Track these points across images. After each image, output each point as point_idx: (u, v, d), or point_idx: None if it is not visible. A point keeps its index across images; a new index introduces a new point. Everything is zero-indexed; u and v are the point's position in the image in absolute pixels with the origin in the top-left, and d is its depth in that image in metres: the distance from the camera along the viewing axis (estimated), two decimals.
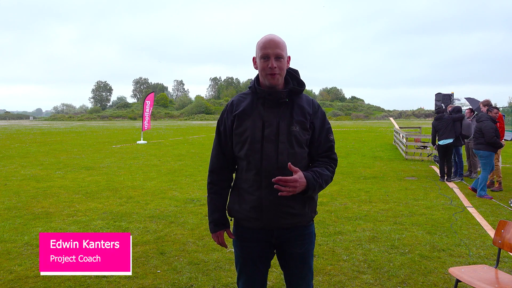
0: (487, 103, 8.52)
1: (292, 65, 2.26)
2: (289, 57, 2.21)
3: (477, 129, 7.69)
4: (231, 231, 2.35)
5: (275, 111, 2.15)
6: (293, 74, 2.24)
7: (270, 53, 2.08)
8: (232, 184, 2.34)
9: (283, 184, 1.99)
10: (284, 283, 3.80)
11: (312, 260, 2.34)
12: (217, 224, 2.31)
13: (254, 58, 2.20)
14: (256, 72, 2.23)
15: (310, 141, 2.20)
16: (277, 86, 2.14)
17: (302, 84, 2.22)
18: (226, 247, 2.38)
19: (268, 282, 2.99)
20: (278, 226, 2.19)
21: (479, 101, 10.92)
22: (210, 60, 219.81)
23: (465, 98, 13.73)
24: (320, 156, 2.22)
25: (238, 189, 2.25)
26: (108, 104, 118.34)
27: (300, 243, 2.24)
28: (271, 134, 2.12)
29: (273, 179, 2.01)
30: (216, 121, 2.33)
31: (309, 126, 2.17)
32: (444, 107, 10.54)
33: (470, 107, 10.76)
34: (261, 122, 2.13)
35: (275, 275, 3.95)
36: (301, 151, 2.15)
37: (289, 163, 2.04)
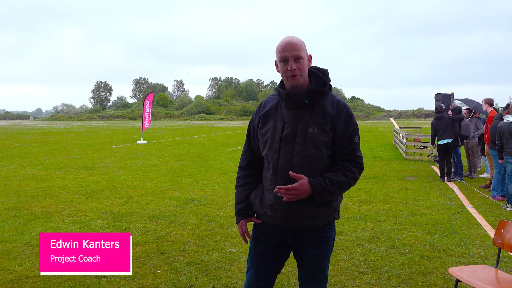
0: (489, 101, 8.51)
1: None
2: (310, 55, 2.19)
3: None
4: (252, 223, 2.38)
5: (296, 113, 2.15)
6: (318, 74, 2.21)
7: (288, 56, 2.09)
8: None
9: (284, 193, 2.05)
10: (285, 283, 3.81)
11: (327, 264, 2.32)
12: (240, 214, 2.35)
13: (275, 62, 2.21)
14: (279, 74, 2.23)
15: (333, 143, 2.16)
16: (299, 87, 2.14)
17: (325, 85, 2.19)
18: (249, 238, 2.36)
19: None
20: (292, 227, 2.21)
21: (475, 101, 10.90)
22: (210, 60, 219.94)
23: (458, 100, 13.72)
24: (342, 159, 2.17)
25: (262, 186, 2.31)
26: (108, 104, 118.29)
27: (314, 245, 2.24)
28: (289, 135, 2.14)
29: (275, 190, 2.08)
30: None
31: (330, 128, 2.13)
32: (444, 107, 10.53)
33: (467, 107, 10.74)
34: (282, 123, 2.17)
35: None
36: (318, 153, 2.13)
37: (290, 171, 2.07)
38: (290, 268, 4.03)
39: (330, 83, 2.22)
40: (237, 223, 2.38)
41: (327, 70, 2.25)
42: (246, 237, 2.35)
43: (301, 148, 2.11)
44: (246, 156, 2.40)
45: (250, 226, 2.38)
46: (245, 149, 2.41)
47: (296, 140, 2.12)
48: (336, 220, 2.32)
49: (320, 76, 2.20)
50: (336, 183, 2.10)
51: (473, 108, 10.33)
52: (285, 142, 2.14)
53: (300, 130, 2.12)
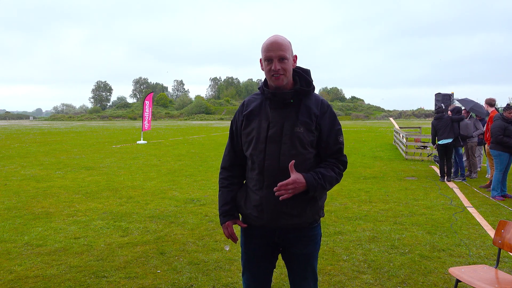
0: (489, 102, 8.49)
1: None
2: (296, 56, 2.19)
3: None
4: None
5: (281, 112, 2.15)
6: (302, 74, 2.21)
7: (273, 56, 2.08)
8: (243, 181, 2.38)
9: (284, 189, 2.01)
10: (284, 283, 3.81)
11: (316, 262, 2.33)
12: (226, 215, 2.31)
13: (260, 60, 2.20)
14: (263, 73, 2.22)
15: (318, 143, 2.17)
16: (283, 86, 2.14)
17: (310, 84, 2.20)
18: (236, 239, 2.33)
19: None
20: (279, 226, 2.20)
21: (473, 101, 10.90)
22: (211, 60, 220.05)
23: (456, 100, 13.72)
24: (329, 157, 2.21)
25: (246, 187, 2.29)
26: (108, 104, 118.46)
27: (302, 244, 2.24)
28: (275, 135, 2.13)
29: (274, 189, 2.04)
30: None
31: (315, 127, 2.15)
32: (444, 107, 10.52)
33: (464, 107, 10.74)
34: (267, 123, 2.15)
35: (275, 275, 3.94)
36: (305, 152, 2.13)
37: (292, 161, 2.05)
38: None
39: (313, 82, 2.24)
40: (222, 225, 2.34)
41: (309, 70, 2.26)
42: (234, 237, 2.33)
43: (288, 148, 2.11)
44: (229, 157, 2.36)
45: (237, 229, 2.35)
46: (228, 151, 2.36)
47: (282, 139, 2.12)
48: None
49: (304, 76, 2.21)
50: (327, 178, 2.13)
51: (470, 109, 10.30)
52: (271, 142, 2.13)
53: (286, 130, 2.12)
